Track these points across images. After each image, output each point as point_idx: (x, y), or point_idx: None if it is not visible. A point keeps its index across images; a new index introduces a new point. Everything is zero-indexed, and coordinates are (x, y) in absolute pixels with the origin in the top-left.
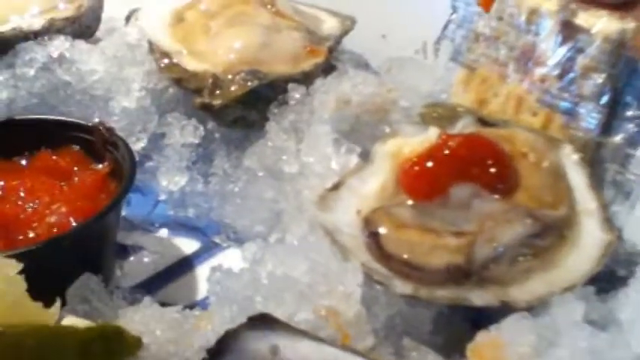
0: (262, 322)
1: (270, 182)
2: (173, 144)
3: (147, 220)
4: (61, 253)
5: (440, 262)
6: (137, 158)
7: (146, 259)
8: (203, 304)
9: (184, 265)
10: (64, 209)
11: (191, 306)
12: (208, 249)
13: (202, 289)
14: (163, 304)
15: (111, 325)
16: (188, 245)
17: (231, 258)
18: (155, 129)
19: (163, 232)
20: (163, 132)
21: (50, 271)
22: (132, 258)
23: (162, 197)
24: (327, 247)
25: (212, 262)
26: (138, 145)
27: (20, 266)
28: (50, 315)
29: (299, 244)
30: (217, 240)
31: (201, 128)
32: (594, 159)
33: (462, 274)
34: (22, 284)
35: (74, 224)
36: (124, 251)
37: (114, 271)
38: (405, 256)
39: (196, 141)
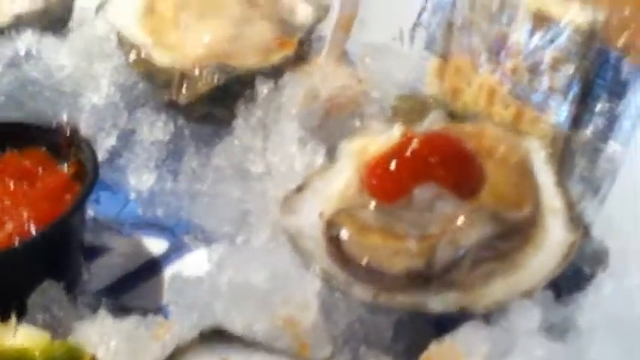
0: (215, 335)
1: (238, 182)
2: (142, 141)
3: (116, 220)
4: (22, 261)
5: (401, 267)
6: (107, 155)
7: (114, 261)
8: (167, 309)
9: (152, 267)
10: (25, 214)
11: (155, 310)
12: (177, 249)
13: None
14: (127, 310)
15: (62, 346)
16: (157, 245)
17: (198, 259)
18: (125, 125)
19: (132, 232)
20: (133, 128)
21: (10, 280)
22: (100, 260)
23: (132, 196)
24: (288, 252)
25: (180, 264)
26: (108, 142)
27: None
28: (7, 329)
29: (261, 249)
30: (186, 240)
31: (171, 125)
32: (564, 153)
33: (422, 279)
34: None
35: (34, 231)
36: (93, 253)
37: (81, 274)
38: (366, 261)
39: (166, 138)
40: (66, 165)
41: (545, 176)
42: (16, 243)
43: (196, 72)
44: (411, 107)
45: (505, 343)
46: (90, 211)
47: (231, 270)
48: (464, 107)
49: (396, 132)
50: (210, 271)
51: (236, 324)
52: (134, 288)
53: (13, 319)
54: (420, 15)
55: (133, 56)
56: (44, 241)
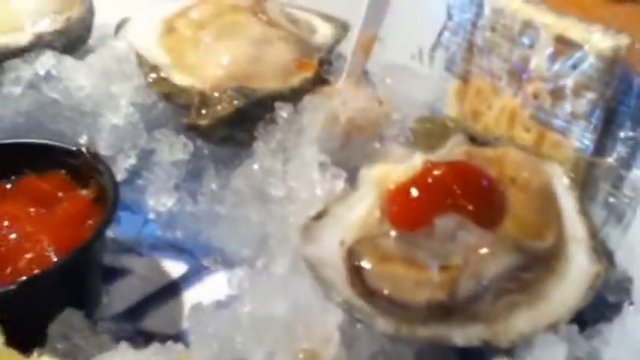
0: None
1: (258, 205)
2: (162, 162)
3: (136, 241)
4: (42, 290)
5: (423, 298)
6: (127, 175)
7: (133, 283)
8: (186, 335)
9: (171, 290)
10: (46, 240)
11: (175, 336)
12: (196, 272)
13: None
14: (147, 335)
15: None
16: (176, 268)
17: (217, 283)
18: (144, 145)
19: (151, 254)
20: (152, 148)
21: (31, 309)
22: (119, 282)
23: (151, 216)
24: (309, 282)
25: (199, 287)
26: (127, 163)
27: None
28: None
29: (282, 279)
30: (205, 263)
31: (191, 145)
32: (587, 179)
33: (444, 311)
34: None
35: (55, 259)
36: (112, 275)
37: (101, 298)
38: (388, 292)
39: (186, 158)
40: (86, 189)
41: (567, 203)
42: (37, 271)
43: (216, 95)
44: (429, 130)
45: None
46: (109, 232)
47: (253, 300)
48: (484, 130)
49: (417, 160)
50: (231, 301)
51: (256, 356)
52: (153, 311)
53: (35, 354)
54: (440, 35)
55: (152, 76)
56: (65, 270)
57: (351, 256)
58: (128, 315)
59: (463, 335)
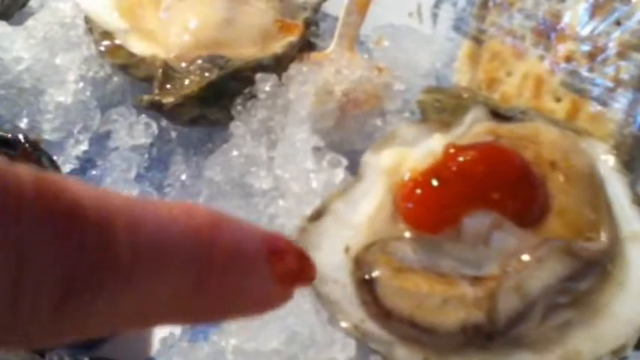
0: None
1: (238, 200)
2: (120, 147)
3: None
4: None
5: (454, 319)
6: (77, 164)
7: None
8: None
9: None
10: None
11: None
12: None
13: (155, 341)
14: None
15: None
16: None
17: None
18: (98, 128)
19: None
20: (108, 131)
21: None
22: None
23: None
24: (309, 303)
25: None
26: (78, 149)
27: None
28: None
29: None
30: None
31: (154, 126)
32: (632, 158)
33: (482, 336)
34: None
35: None
36: None
37: None
38: (409, 313)
39: (148, 142)
40: None
41: (617, 190)
42: None
43: (183, 65)
44: (442, 104)
45: None
46: None
47: (239, 330)
48: (503, 100)
49: (436, 143)
50: (209, 327)
51: None
52: (112, 337)
53: None
54: None
55: (105, 45)
56: None
57: (360, 266)
58: (82, 342)
59: None
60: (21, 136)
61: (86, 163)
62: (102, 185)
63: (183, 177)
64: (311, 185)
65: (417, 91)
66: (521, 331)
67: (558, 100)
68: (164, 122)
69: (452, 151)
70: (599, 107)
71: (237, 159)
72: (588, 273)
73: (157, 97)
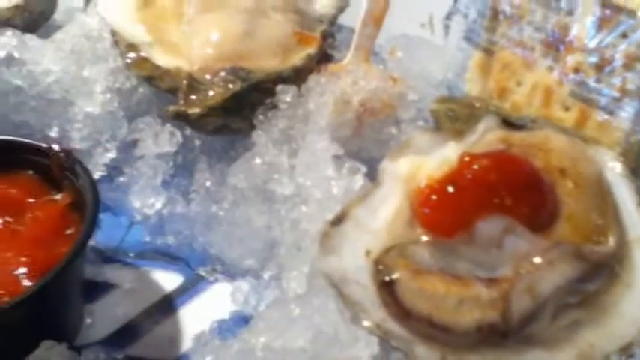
0: None
1: (260, 206)
2: (146, 155)
3: (119, 249)
4: (13, 322)
5: (470, 319)
6: (105, 172)
7: (120, 300)
8: None
9: (166, 307)
10: (16, 259)
11: None
12: (193, 284)
13: (187, 339)
14: None
15: None
16: (169, 280)
17: (219, 295)
18: (125, 137)
19: (139, 264)
20: (135, 140)
21: (4, 342)
22: (103, 299)
23: (137, 219)
24: (332, 303)
25: (197, 302)
26: (106, 157)
27: None
28: None
29: (299, 301)
30: (202, 272)
31: (178, 134)
32: (639, 164)
33: (497, 335)
34: None
35: (28, 283)
36: (94, 291)
37: (83, 320)
38: (428, 313)
39: (173, 150)
40: (60, 193)
41: (623, 196)
42: (7, 300)
43: (207, 78)
44: (455, 113)
45: None
46: None
47: (267, 328)
48: (513, 110)
49: (450, 152)
50: (236, 321)
51: None
52: (145, 333)
53: None
54: (456, 1)
55: (131, 57)
56: (41, 295)
57: (380, 269)
58: (116, 338)
59: None
60: (54, 145)
61: (114, 171)
62: (130, 191)
63: (208, 184)
64: (332, 192)
65: (429, 101)
66: (534, 330)
67: (567, 109)
68: (188, 131)
69: (466, 159)
70: (606, 116)
71: (259, 167)
72: (597, 275)
73: (182, 108)
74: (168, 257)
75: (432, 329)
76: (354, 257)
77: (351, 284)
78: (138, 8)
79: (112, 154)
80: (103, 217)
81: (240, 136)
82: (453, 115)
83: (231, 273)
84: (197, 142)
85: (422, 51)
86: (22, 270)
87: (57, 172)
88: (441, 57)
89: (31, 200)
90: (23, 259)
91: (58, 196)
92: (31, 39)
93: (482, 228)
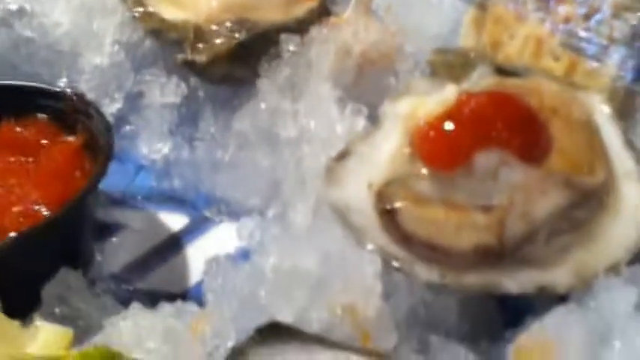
0: (272, 332)
1: (265, 148)
2: (152, 104)
3: (127, 193)
4: (34, 247)
5: (468, 242)
6: (113, 121)
7: (129, 239)
8: (197, 292)
9: (173, 245)
10: (34, 193)
11: (182, 295)
12: (198, 224)
13: (195, 273)
14: (151, 294)
15: (97, 351)
16: (175, 221)
17: (224, 234)
18: (131, 88)
19: (147, 206)
20: (141, 91)
21: (22, 268)
22: (113, 239)
23: (145, 164)
24: (338, 230)
25: (203, 241)
26: (113, 107)
27: None
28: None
29: (306, 227)
30: (208, 214)
31: (183, 85)
32: (624, 109)
33: (493, 256)
34: None
35: (46, 213)
36: (104, 231)
37: (94, 256)
38: (428, 237)
39: (178, 100)
40: (73, 135)
41: (611, 135)
42: (27, 227)
43: (213, 28)
44: (451, 62)
45: (600, 328)
46: None
47: (277, 252)
48: (506, 60)
49: (449, 91)
50: (242, 255)
51: (285, 313)
52: (154, 269)
53: (35, 319)
54: None
55: (138, 11)
56: (57, 225)
57: (382, 199)
58: (126, 274)
59: (516, 282)
60: (68, 90)
61: (120, 121)
62: (137, 139)
63: (212, 130)
64: (335, 131)
65: (426, 53)
66: (527, 253)
67: (557, 59)
68: (193, 82)
69: (464, 97)
70: (594, 64)
71: (264, 112)
72: (586, 204)
73: (190, 57)
74: (175, 200)
75: (431, 252)
76: (357, 189)
77: (355, 213)
78: None
79: (118, 104)
80: (112, 164)
81: (243, 87)
82: (449, 65)
83: (237, 213)
84: (201, 93)
85: (417, 8)
86: (40, 202)
87: (70, 115)
88: (437, 13)
89: (44, 142)
90: (41, 192)
91: (71, 138)
92: None
93: (480, 161)
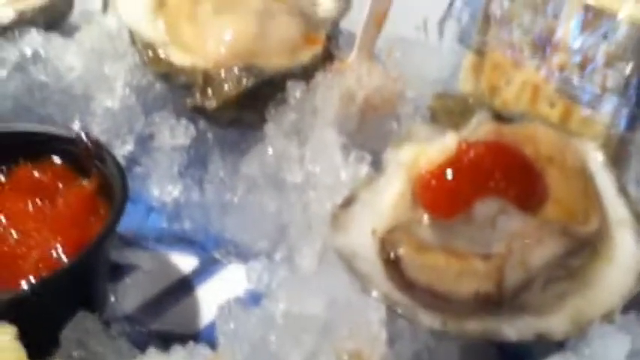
0: None
1: (272, 192)
2: (162, 146)
3: (139, 234)
4: (55, 293)
5: (468, 289)
6: (125, 163)
7: (142, 280)
8: (208, 334)
9: (184, 286)
10: (51, 238)
11: (194, 337)
12: (208, 266)
13: (206, 315)
14: (164, 336)
15: None
16: (186, 262)
17: (234, 276)
18: (142, 130)
19: (158, 248)
20: (151, 133)
21: (43, 314)
22: (126, 280)
23: (155, 205)
24: (343, 276)
25: (213, 282)
26: (124, 149)
27: (15, 330)
28: None
29: (313, 274)
30: (217, 255)
31: (192, 128)
32: (618, 156)
33: (492, 303)
34: (20, 352)
35: (63, 258)
36: (117, 272)
37: (108, 298)
38: (430, 284)
39: (187, 142)
40: (87, 179)
41: (605, 182)
42: (48, 273)
43: (221, 74)
44: (451, 108)
45: None
46: None
47: (285, 299)
48: (504, 105)
49: (449, 140)
50: (252, 298)
51: (294, 357)
52: (167, 311)
53: None
54: (451, 5)
55: (148, 55)
56: (76, 272)
57: (385, 246)
58: (140, 315)
59: (515, 329)
60: (82, 134)
61: (131, 162)
62: (148, 180)
63: (221, 174)
64: (340, 178)
65: (426, 98)
66: (526, 299)
67: (552, 105)
68: (201, 125)
69: (463, 146)
70: (588, 111)
71: (271, 156)
72: (581, 251)
73: (199, 102)
74: (185, 241)
75: (433, 299)
76: (362, 236)
77: (360, 259)
78: (153, 10)
79: (129, 147)
80: None
81: (251, 130)
82: (449, 110)
83: (245, 255)
84: (209, 136)
85: (417, 52)
86: (59, 248)
87: (85, 159)
88: (436, 58)
89: (60, 185)
90: (58, 237)
91: (85, 182)
92: (54, 37)
93: (479, 209)
